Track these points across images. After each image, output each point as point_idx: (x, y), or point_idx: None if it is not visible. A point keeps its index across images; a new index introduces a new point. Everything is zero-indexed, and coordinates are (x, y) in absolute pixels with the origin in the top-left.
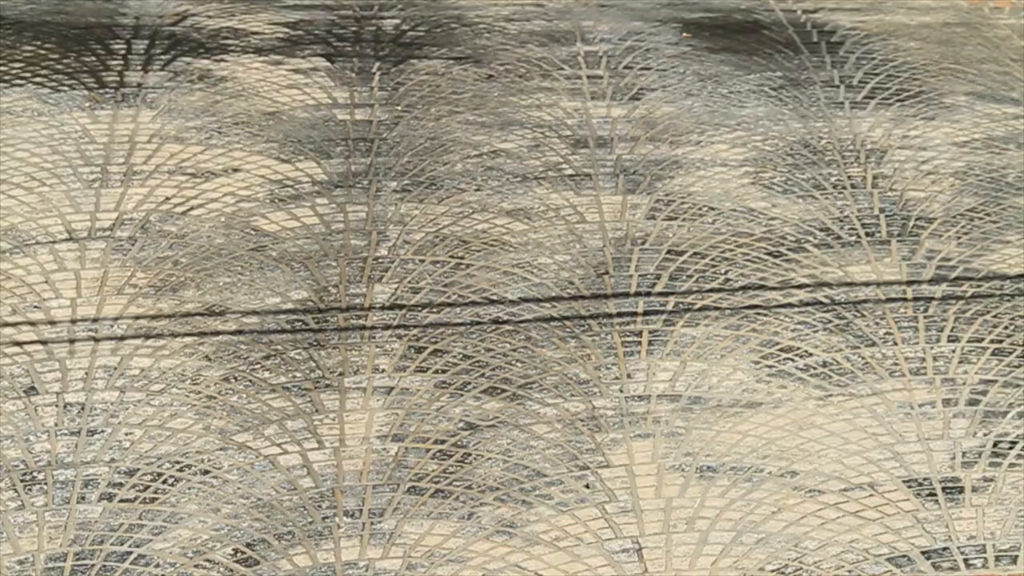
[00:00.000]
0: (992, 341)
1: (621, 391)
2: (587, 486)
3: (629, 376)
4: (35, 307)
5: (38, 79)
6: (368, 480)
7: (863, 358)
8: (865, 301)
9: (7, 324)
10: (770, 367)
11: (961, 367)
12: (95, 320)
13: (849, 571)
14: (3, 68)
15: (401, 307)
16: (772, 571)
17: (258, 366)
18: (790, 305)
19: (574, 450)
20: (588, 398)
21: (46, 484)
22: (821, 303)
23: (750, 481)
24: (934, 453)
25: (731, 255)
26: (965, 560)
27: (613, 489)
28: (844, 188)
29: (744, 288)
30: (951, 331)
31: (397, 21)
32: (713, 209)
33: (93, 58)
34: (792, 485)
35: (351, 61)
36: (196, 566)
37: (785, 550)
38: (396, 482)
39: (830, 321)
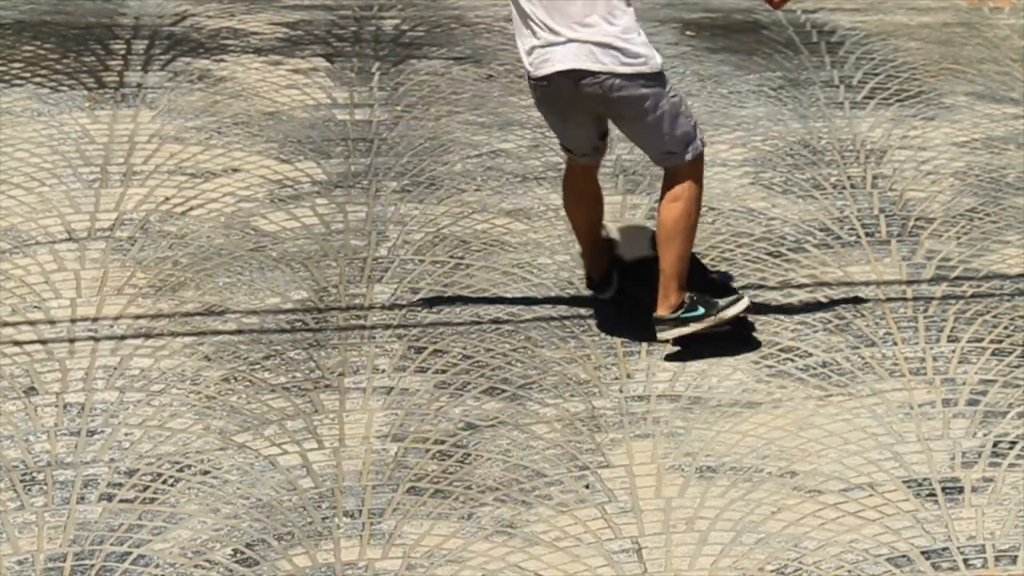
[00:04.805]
0: (992, 341)
1: (621, 391)
2: (586, 486)
3: (629, 376)
4: (35, 307)
5: (38, 79)
6: (368, 480)
7: (863, 358)
8: (865, 301)
9: (7, 324)
10: (770, 367)
11: (961, 367)
12: (95, 320)
13: (849, 571)
14: (3, 68)
15: (401, 307)
16: (772, 571)
17: (258, 366)
18: (790, 305)
19: (574, 450)
20: (588, 398)
21: (46, 484)
22: (821, 303)
23: (750, 481)
24: (934, 453)
25: (731, 255)
26: (965, 560)
27: (613, 489)
28: (844, 188)
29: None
30: (951, 331)
31: (397, 21)
32: (713, 209)
33: (93, 58)
34: (792, 485)
35: (351, 61)
36: (196, 566)
37: (785, 550)
38: (396, 482)
39: (830, 321)
